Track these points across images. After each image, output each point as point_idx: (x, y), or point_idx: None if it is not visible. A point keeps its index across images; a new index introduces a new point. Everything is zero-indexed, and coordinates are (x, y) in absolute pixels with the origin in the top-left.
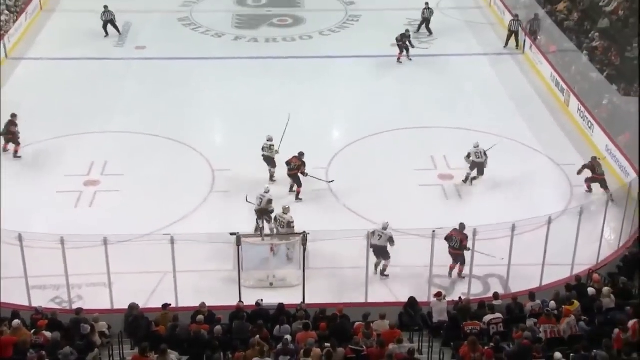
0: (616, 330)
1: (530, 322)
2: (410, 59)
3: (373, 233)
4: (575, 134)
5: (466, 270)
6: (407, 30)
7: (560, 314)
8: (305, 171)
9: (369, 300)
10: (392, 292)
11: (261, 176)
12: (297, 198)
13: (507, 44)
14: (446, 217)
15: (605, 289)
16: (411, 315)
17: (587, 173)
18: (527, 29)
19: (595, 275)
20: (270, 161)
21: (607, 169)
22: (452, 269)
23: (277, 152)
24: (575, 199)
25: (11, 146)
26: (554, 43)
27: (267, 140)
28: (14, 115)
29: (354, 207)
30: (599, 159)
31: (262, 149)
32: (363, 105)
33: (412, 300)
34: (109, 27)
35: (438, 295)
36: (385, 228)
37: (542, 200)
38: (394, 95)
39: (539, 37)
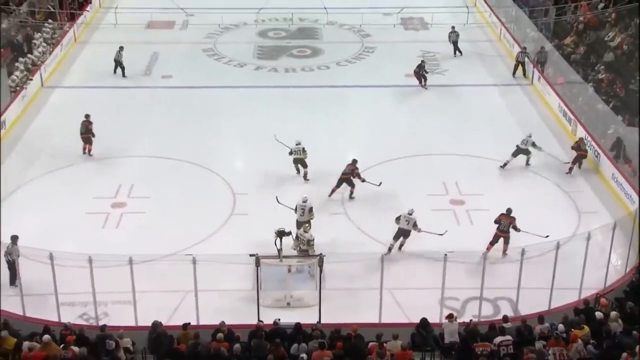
0: (624, 354)
1: (539, 344)
2: (426, 88)
3: (399, 218)
4: (583, 162)
5: (476, 293)
6: (423, 61)
7: (569, 337)
8: (360, 175)
9: (382, 321)
10: (405, 313)
11: (281, 197)
12: (351, 197)
13: (514, 73)
14: (458, 241)
15: (613, 313)
16: (423, 335)
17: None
18: (535, 60)
19: (603, 300)
20: (302, 162)
21: (614, 196)
22: (489, 250)
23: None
24: (583, 225)
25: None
26: (561, 75)
27: (297, 145)
28: (87, 115)
29: (368, 231)
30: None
31: (292, 153)
32: (377, 132)
33: (423, 321)
34: (117, 64)
35: (450, 317)
36: (410, 213)
37: (550, 226)
38: (407, 124)
39: (546, 69)
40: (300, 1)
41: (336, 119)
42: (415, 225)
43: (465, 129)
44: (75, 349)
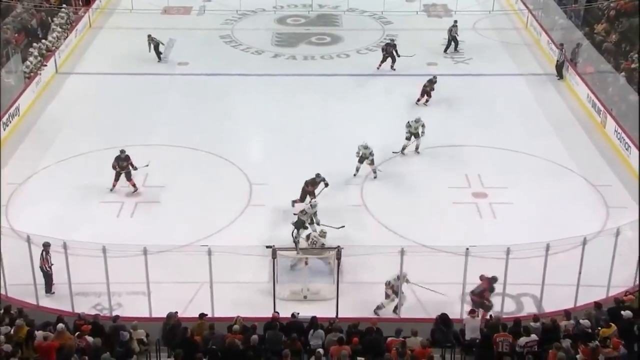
0: None
1: (566, 342)
2: (394, 69)
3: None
4: (612, 155)
5: (498, 289)
6: (393, 40)
7: (596, 334)
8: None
9: (402, 316)
10: (425, 308)
11: (298, 190)
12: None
13: (561, 75)
14: (479, 235)
15: None
16: (444, 331)
17: None
18: (570, 56)
19: (629, 296)
20: (299, 224)
21: None
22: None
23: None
24: (611, 220)
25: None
26: (591, 64)
27: (311, 206)
28: (122, 151)
29: (388, 224)
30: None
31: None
32: (398, 122)
33: (444, 316)
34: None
35: (471, 312)
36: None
37: (577, 221)
38: (429, 114)
39: (578, 62)
40: None
41: (356, 108)
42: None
43: (489, 120)
44: (89, 339)
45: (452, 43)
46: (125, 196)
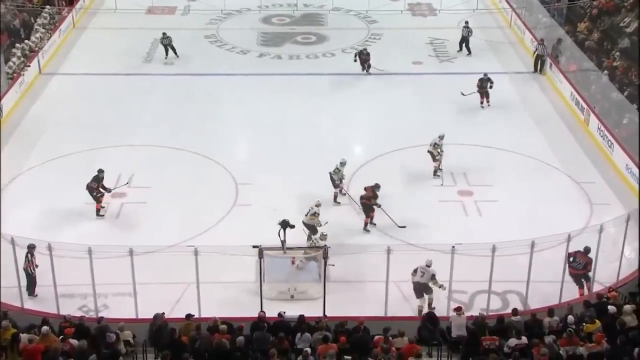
0: (637, 350)
1: (548, 338)
2: (369, 73)
3: (415, 271)
4: (595, 153)
5: (484, 286)
6: (365, 49)
7: (581, 330)
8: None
9: (389, 314)
10: (412, 306)
11: (284, 190)
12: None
13: (540, 69)
14: (466, 233)
15: (628, 307)
16: (430, 329)
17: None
18: (551, 52)
19: (613, 293)
20: (311, 228)
21: (627, 188)
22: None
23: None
24: (595, 217)
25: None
26: (574, 62)
27: (316, 206)
28: (101, 171)
29: (375, 221)
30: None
31: (308, 214)
32: (383, 122)
33: (430, 314)
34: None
35: (458, 309)
36: (429, 265)
37: (561, 218)
38: (414, 112)
39: (560, 59)
40: None
41: (342, 108)
42: (434, 277)
43: (474, 118)
44: (74, 342)
45: (463, 42)
46: (110, 197)
